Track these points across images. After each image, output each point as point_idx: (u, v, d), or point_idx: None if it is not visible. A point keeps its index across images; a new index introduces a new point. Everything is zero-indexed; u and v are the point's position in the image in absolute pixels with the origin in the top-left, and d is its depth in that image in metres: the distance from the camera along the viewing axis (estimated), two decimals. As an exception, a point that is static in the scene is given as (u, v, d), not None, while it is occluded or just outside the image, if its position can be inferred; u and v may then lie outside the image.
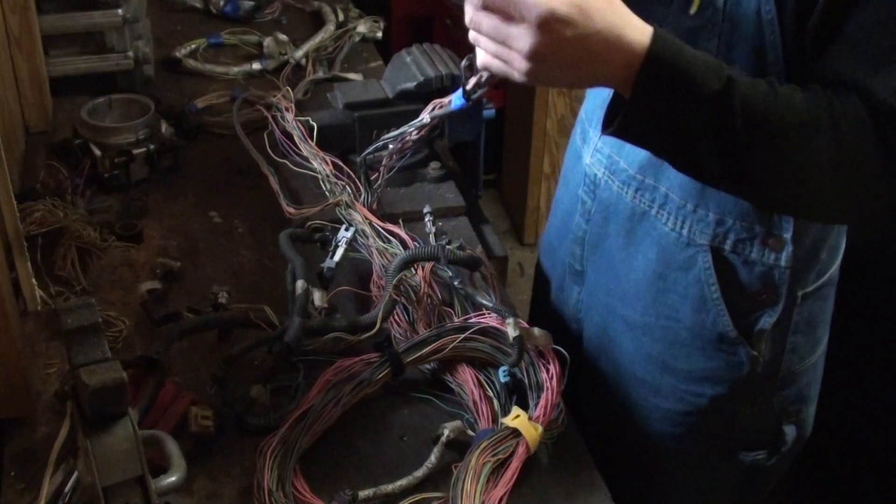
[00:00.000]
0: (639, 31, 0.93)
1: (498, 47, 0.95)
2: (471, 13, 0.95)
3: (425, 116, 1.27)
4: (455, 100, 1.19)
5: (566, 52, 0.91)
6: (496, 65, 0.97)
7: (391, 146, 1.35)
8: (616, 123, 0.97)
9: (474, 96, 1.14)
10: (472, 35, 0.97)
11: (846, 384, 1.59)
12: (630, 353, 1.27)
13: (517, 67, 0.94)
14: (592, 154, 1.26)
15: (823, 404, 1.33)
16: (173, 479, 0.89)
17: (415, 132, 1.31)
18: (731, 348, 1.19)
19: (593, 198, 1.27)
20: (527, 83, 0.97)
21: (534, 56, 0.92)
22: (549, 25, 0.89)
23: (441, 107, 1.25)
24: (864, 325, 1.97)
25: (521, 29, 0.91)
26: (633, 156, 1.18)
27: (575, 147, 1.35)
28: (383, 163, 1.38)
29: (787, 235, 1.13)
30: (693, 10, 1.05)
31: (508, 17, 0.91)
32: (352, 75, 1.94)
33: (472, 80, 1.12)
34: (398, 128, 1.34)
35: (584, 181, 1.29)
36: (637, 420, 1.29)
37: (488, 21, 0.93)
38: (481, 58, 0.99)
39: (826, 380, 1.32)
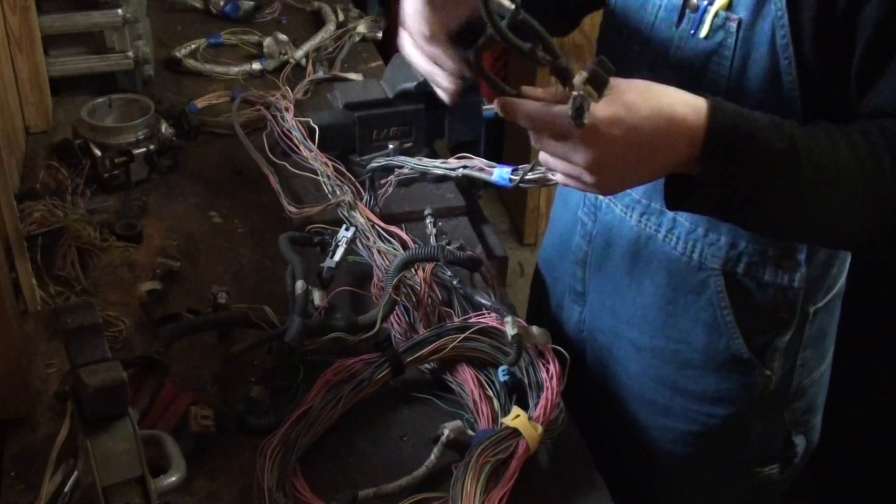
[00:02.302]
0: (690, 105, 0.92)
1: (565, 166, 0.95)
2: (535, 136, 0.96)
3: (459, 170, 1.26)
4: (499, 177, 1.17)
5: (624, 150, 0.91)
6: (572, 184, 0.97)
7: (405, 169, 1.36)
8: (688, 200, 0.96)
9: (522, 185, 1.13)
10: (542, 157, 0.99)
11: (849, 387, 1.58)
12: (638, 375, 1.26)
13: (587, 181, 0.95)
14: None
15: (827, 409, 1.33)
16: (173, 479, 0.89)
17: (438, 171, 1.31)
18: (744, 369, 1.18)
19: (594, 220, 1.26)
20: (606, 195, 0.99)
21: (595, 166, 0.92)
22: (595, 133, 0.89)
23: (479, 169, 1.23)
24: (866, 329, 1.96)
25: (573, 144, 0.91)
26: None
27: None
28: (391, 179, 1.39)
29: (801, 256, 1.12)
30: (704, 33, 1.04)
31: (559, 134, 0.92)
32: (352, 75, 1.94)
33: (526, 171, 1.10)
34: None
35: (584, 202, 1.27)
36: (647, 441, 1.28)
37: (548, 143, 0.94)
38: (560, 178, 0.99)
39: (830, 384, 1.31)
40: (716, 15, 1.03)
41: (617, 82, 0.91)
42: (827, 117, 1.02)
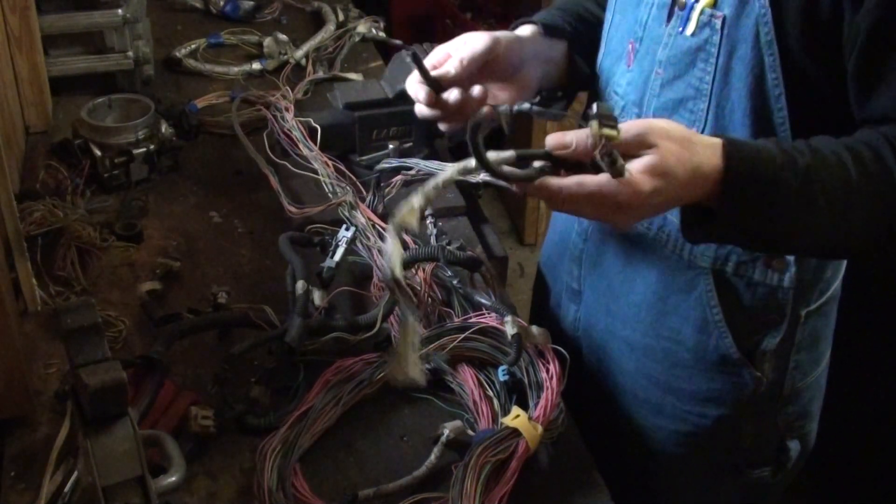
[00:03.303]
0: (710, 154, 0.94)
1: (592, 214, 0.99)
2: (564, 191, 0.94)
3: (481, 176, 1.22)
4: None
5: (654, 208, 0.95)
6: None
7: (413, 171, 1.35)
8: (702, 234, 1.00)
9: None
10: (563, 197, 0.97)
11: (847, 392, 1.57)
12: (631, 374, 1.26)
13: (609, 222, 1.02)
14: None
15: (823, 413, 1.32)
16: (173, 479, 0.89)
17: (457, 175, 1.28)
18: (735, 369, 1.18)
19: None
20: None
21: (626, 220, 0.97)
22: (638, 201, 0.92)
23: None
24: (864, 334, 1.96)
25: (611, 206, 0.93)
26: None
27: None
28: (397, 180, 1.38)
29: (790, 257, 1.12)
30: (690, 31, 1.05)
31: (602, 204, 0.94)
32: (352, 75, 1.94)
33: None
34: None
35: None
36: (640, 440, 1.28)
37: (587, 207, 0.95)
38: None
39: (827, 389, 1.31)
40: (701, 12, 1.04)
41: (652, 135, 0.93)
42: (813, 116, 1.03)
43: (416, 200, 1.00)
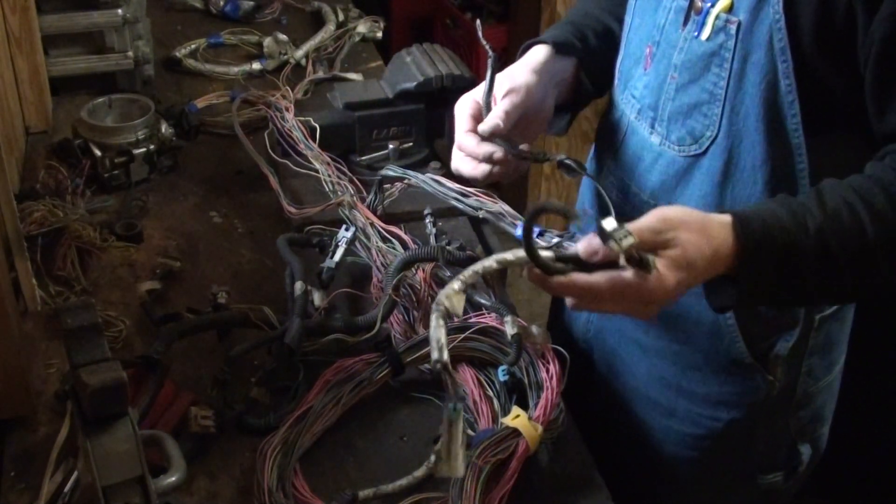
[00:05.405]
0: (724, 235, 0.94)
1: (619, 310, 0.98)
2: (590, 286, 0.94)
3: (480, 211, 1.18)
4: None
5: (677, 297, 0.95)
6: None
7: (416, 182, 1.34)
8: (727, 303, 0.99)
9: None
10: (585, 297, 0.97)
11: (858, 396, 1.56)
12: (644, 376, 1.26)
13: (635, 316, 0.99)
14: (605, 177, 1.25)
15: (834, 417, 1.31)
16: (173, 479, 0.89)
17: (458, 204, 1.24)
18: (747, 373, 1.18)
19: None
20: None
21: (650, 312, 0.96)
22: (664, 295, 0.92)
23: (499, 215, 1.17)
24: (879, 339, 1.93)
25: (637, 300, 0.93)
26: (645, 180, 1.17)
27: (590, 169, 1.34)
28: (400, 184, 1.37)
29: None
30: (705, 35, 1.05)
31: (630, 299, 0.93)
32: (352, 75, 1.94)
33: (553, 244, 1.07)
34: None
35: (596, 203, 1.28)
36: (652, 443, 1.28)
37: (614, 303, 0.95)
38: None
39: (839, 393, 1.30)
40: (717, 17, 1.04)
41: (670, 229, 0.93)
42: (827, 123, 1.02)
43: (458, 285, 0.99)
